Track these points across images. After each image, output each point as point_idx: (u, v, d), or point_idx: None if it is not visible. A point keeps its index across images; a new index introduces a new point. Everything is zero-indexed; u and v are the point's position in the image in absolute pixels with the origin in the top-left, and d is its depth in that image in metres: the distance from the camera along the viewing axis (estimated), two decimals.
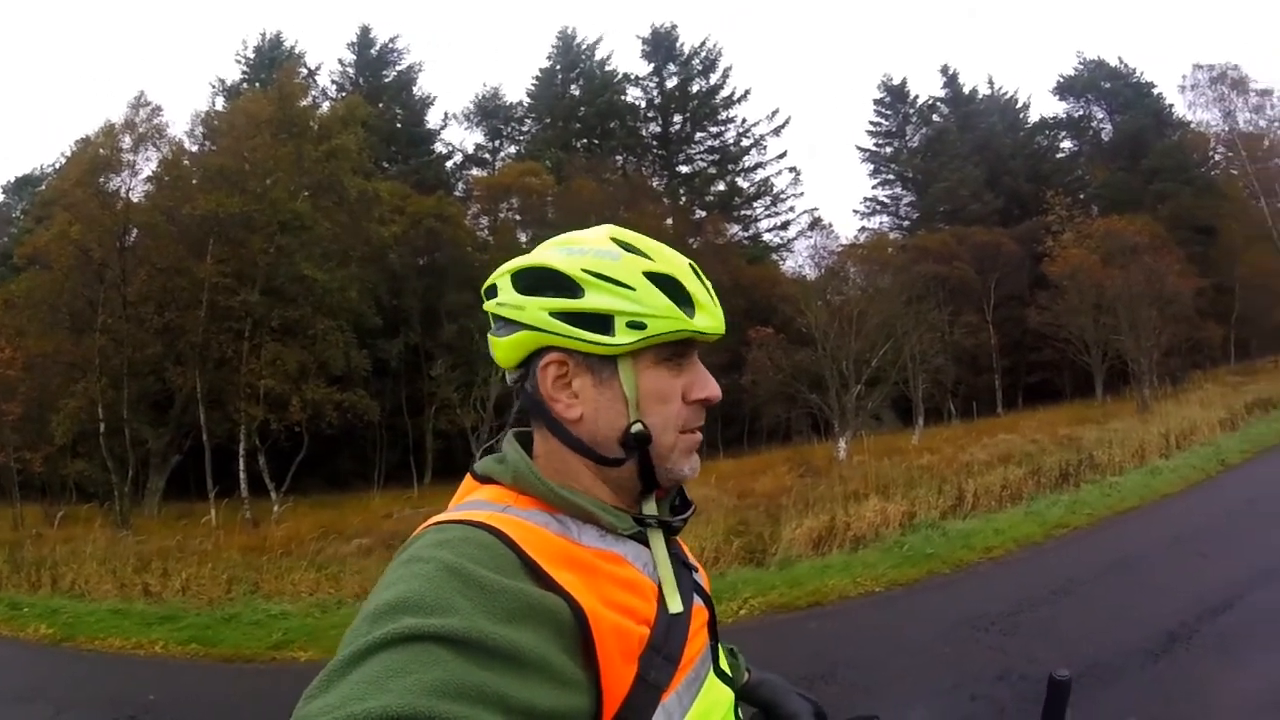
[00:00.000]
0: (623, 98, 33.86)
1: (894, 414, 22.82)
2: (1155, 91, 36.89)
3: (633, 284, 0.68)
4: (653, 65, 35.05)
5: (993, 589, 5.85)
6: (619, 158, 32.57)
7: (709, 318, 0.70)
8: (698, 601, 0.73)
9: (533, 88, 33.75)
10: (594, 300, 0.67)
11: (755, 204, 35.64)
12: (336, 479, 21.60)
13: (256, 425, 17.29)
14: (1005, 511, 8.27)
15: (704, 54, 35.12)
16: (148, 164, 18.43)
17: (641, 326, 0.67)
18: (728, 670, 0.80)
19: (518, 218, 22.96)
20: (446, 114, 35.15)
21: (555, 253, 0.71)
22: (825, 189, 76.33)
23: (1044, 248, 25.43)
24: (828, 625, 5.38)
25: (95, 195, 16.97)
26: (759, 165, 35.43)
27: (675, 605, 0.68)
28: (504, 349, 0.73)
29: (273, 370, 17.46)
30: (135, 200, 18.05)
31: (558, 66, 34.05)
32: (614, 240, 0.72)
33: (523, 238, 22.70)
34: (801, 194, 41.35)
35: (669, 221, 28.62)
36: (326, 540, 10.49)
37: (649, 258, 0.70)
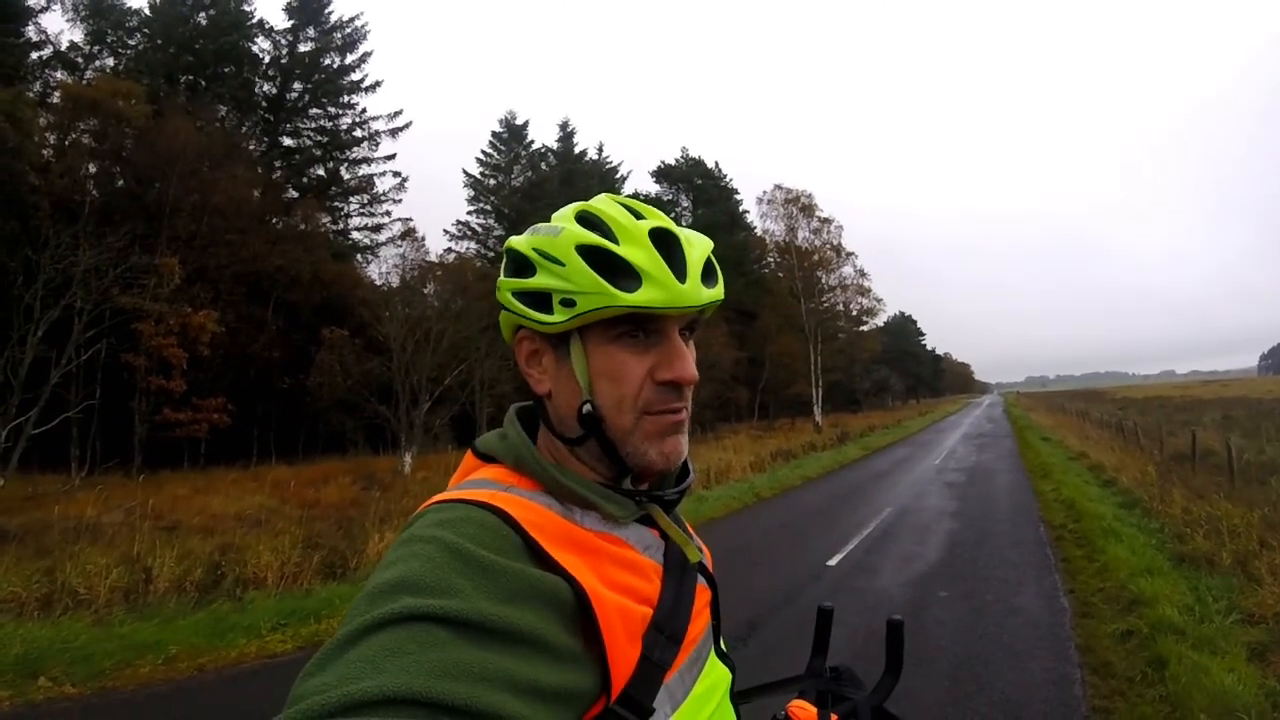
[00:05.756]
0: (249, 45, 29.46)
1: (451, 434, 24.30)
2: (737, 197, 45.39)
3: (564, 259, 0.65)
4: (293, 23, 31.61)
5: None
6: (223, 109, 27.98)
7: (659, 290, 0.63)
8: (701, 582, 0.71)
9: (159, 1, 26.85)
10: (540, 279, 0.66)
11: (352, 199, 34.35)
12: None
13: None
14: None
15: (350, 30, 33.12)
16: None
17: (571, 304, 0.64)
18: (726, 650, 0.78)
19: (92, 144, 17.92)
20: None
21: (525, 234, 0.71)
22: (424, 202, 74.19)
23: None
24: None
25: None
26: (366, 160, 34.34)
27: (695, 555, 0.70)
28: (501, 327, 0.74)
29: None
30: None
31: None
32: (579, 213, 0.69)
33: (92, 168, 17.92)
34: (401, 201, 40.52)
35: (257, 193, 25.71)
36: None
37: (600, 229, 0.66)
